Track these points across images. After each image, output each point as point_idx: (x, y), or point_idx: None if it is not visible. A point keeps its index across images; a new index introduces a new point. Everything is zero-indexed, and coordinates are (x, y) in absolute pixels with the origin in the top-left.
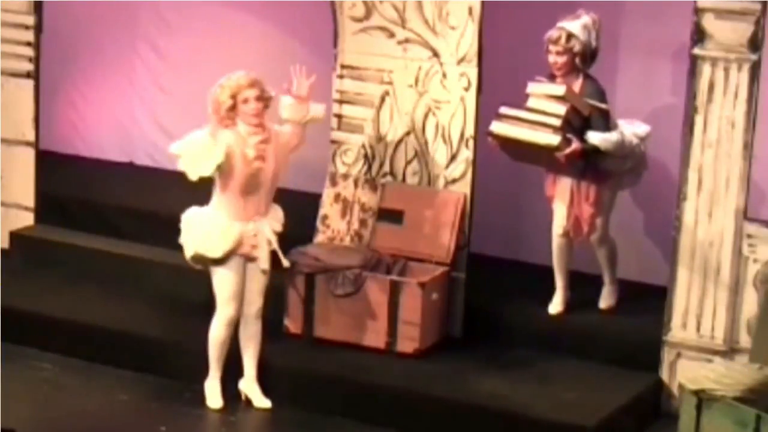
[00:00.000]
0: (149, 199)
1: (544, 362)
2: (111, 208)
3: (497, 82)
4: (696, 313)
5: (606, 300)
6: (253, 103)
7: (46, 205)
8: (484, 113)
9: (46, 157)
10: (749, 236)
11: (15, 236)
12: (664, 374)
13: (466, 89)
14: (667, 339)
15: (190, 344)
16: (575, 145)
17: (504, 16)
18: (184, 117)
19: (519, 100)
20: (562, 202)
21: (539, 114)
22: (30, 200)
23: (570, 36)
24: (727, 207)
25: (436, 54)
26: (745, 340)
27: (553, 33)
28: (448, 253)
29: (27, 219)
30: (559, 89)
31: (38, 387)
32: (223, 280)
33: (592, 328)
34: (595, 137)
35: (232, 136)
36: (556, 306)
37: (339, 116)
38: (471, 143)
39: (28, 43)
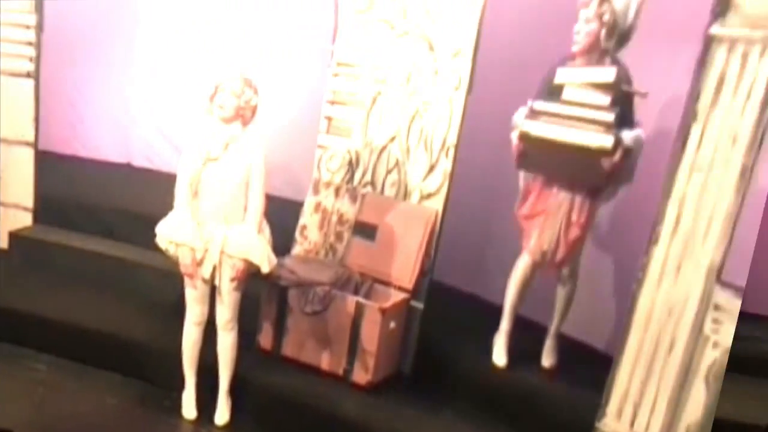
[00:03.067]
0: (147, 201)
1: (477, 424)
2: (109, 209)
3: (495, 82)
4: (634, 401)
5: (549, 358)
6: (226, 94)
7: (44, 206)
8: (471, 116)
9: (44, 158)
10: (716, 307)
11: (14, 236)
12: None
13: (457, 88)
14: (599, 427)
15: (177, 350)
16: (621, 148)
17: (503, 12)
18: (182, 119)
19: (517, 99)
20: (553, 220)
21: (581, 107)
22: (29, 200)
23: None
24: (701, 260)
25: (431, 48)
26: None
27: None
28: (411, 279)
29: (26, 219)
30: (609, 72)
31: (33, 388)
32: (187, 282)
33: (530, 392)
34: (628, 136)
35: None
36: (502, 356)
37: (329, 118)
38: (451, 152)
39: (29, 43)
